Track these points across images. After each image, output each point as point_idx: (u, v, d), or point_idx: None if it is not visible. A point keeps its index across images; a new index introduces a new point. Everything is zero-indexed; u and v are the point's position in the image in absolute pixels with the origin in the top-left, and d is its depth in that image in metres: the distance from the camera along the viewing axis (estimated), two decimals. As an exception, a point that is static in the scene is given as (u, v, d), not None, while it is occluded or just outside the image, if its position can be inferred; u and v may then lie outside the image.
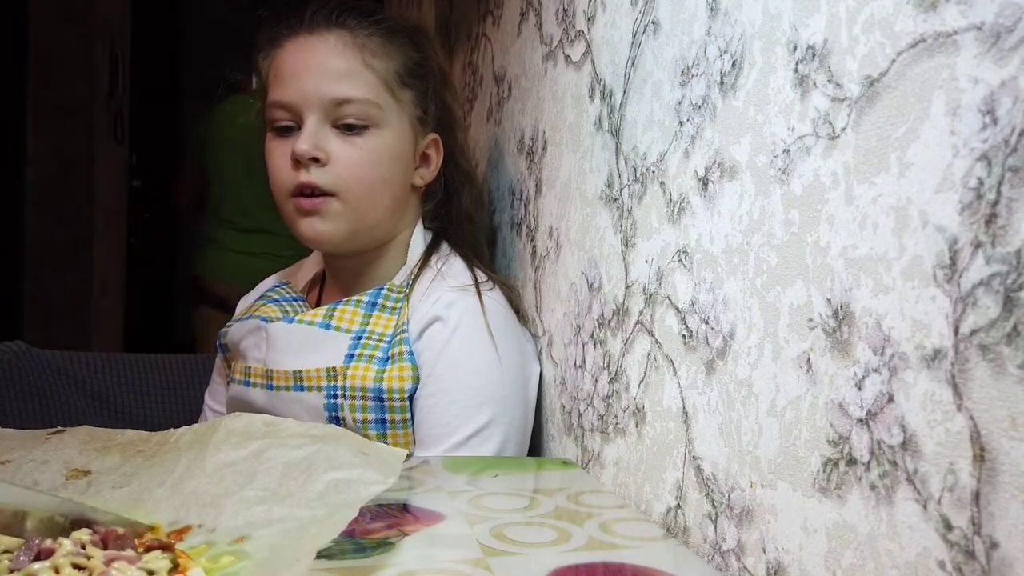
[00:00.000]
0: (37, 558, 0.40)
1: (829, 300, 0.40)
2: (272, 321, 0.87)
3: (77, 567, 0.40)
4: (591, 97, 0.74)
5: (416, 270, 0.87)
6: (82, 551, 0.41)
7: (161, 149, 4.29)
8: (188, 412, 1.23)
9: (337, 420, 0.80)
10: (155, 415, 1.27)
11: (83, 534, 0.44)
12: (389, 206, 0.87)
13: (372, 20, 0.88)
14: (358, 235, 0.86)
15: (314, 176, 0.83)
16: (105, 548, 0.42)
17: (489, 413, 0.79)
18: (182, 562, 0.42)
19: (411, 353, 0.80)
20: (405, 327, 0.82)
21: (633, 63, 0.65)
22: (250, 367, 0.86)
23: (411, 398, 0.80)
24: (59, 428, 0.63)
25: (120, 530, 0.44)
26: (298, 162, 0.83)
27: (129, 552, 0.42)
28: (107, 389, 1.26)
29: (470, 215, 0.95)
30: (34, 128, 3.06)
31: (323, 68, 0.84)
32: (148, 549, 0.43)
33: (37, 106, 3.06)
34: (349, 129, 0.84)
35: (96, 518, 0.45)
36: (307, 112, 0.83)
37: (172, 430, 0.61)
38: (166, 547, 0.43)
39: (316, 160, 0.83)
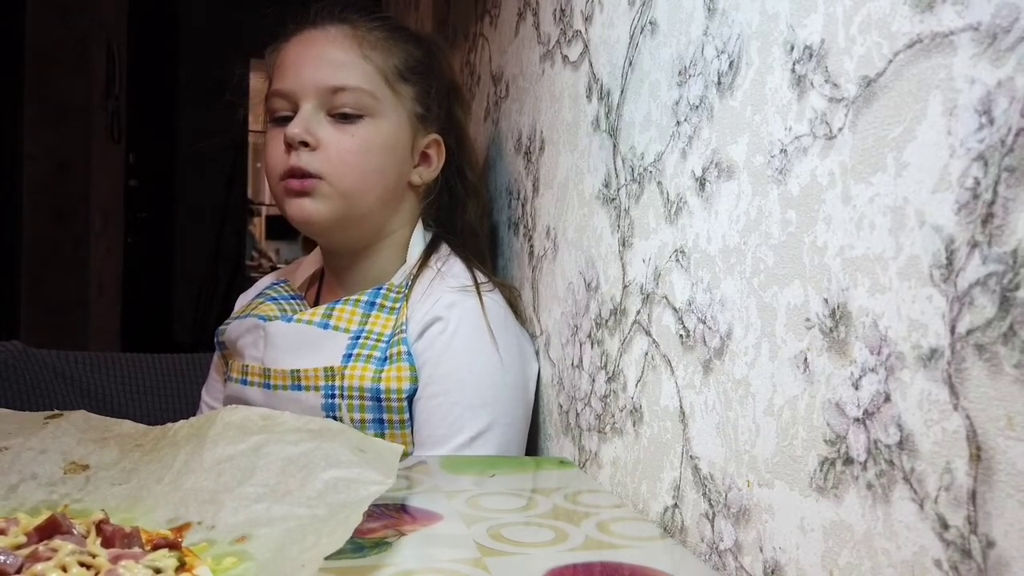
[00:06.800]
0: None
1: (826, 300, 0.40)
2: (270, 320, 0.87)
3: (84, 565, 0.40)
4: (588, 97, 0.74)
5: (415, 270, 0.88)
6: (84, 549, 0.41)
7: (158, 149, 4.29)
8: (185, 411, 1.23)
9: (335, 420, 0.79)
10: (152, 414, 1.27)
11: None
12: (381, 197, 0.87)
13: (376, 17, 0.90)
14: (347, 222, 0.86)
15: (304, 161, 0.84)
16: (111, 546, 0.42)
17: (491, 414, 0.79)
18: (189, 560, 0.42)
19: (409, 353, 0.80)
20: (404, 327, 0.82)
21: (631, 63, 0.65)
22: (247, 365, 0.86)
23: (409, 398, 0.80)
24: (56, 412, 0.62)
25: (127, 528, 0.44)
26: (290, 146, 0.84)
27: (136, 550, 0.42)
28: (104, 389, 1.26)
29: (474, 228, 0.96)
30: (31, 127, 3.05)
31: (321, 57, 0.86)
32: (155, 547, 0.43)
33: (34, 105, 3.06)
34: (344, 118, 0.85)
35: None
36: (303, 99, 0.85)
37: (169, 424, 0.61)
38: (173, 545, 0.43)
39: (306, 145, 0.83)
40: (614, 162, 0.68)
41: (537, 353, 0.86)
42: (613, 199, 0.68)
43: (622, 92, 0.67)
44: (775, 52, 0.46)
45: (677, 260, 0.56)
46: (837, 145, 0.40)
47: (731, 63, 0.50)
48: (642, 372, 0.61)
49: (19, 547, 0.42)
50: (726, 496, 0.49)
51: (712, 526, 0.51)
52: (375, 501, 0.48)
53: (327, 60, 0.85)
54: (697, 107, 0.54)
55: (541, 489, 0.65)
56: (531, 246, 0.90)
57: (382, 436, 0.80)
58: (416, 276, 0.87)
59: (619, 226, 0.66)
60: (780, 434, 0.44)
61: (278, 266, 3.61)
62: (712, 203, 0.52)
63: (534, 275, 0.88)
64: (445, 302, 0.82)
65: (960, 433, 0.32)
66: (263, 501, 0.49)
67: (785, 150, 0.44)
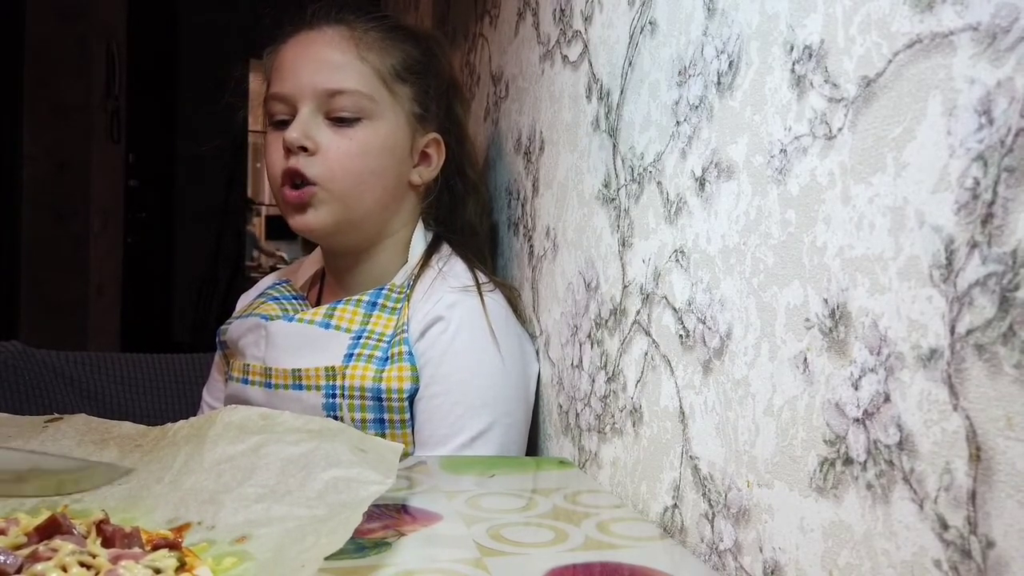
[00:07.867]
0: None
1: (826, 300, 0.40)
2: (272, 319, 0.87)
3: (84, 565, 0.40)
4: (588, 97, 0.74)
5: (416, 270, 0.88)
6: (84, 549, 0.41)
7: (158, 149, 4.29)
8: (185, 411, 1.23)
9: (336, 420, 0.80)
10: (152, 414, 1.27)
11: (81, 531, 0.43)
12: (379, 198, 0.87)
13: (372, 17, 0.89)
14: (348, 226, 0.87)
15: (302, 164, 0.84)
16: (112, 546, 0.42)
17: (492, 414, 0.79)
18: (189, 560, 0.42)
19: (410, 353, 0.80)
20: (405, 327, 0.82)
21: (630, 63, 0.65)
22: (249, 365, 0.87)
23: (410, 398, 0.80)
24: (56, 416, 0.63)
25: (127, 528, 0.44)
26: (288, 150, 0.84)
27: (136, 550, 0.42)
28: (103, 389, 1.26)
29: (474, 226, 0.96)
30: (31, 127, 3.06)
31: (318, 60, 0.85)
32: (155, 547, 0.43)
33: (34, 105, 3.06)
34: (341, 121, 0.85)
35: (51, 466, 0.45)
36: (301, 103, 0.85)
37: (169, 424, 0.61)
38: (173, 545, 0.43)
39: (305, 149, 0.83)
40: (614, 162, 0.68)
41: (537, 353, 0.86)
42: (613, 199, 0.68)
43: (622, 92, 0.67)
44: (775, 52, 0.46)
45: (677, 260, 0.56)
46: (837, 145, 0.40)
47: (731, 63, 0.50)
48: (642, 372, 0.61)
49: (19, 547, 0.42)
50: (726, 496, 0.49)
51: (712, 526, 0.51)
52: (375, 501, 0.48)
53: (324, 62, 0.85)
54: (697, 107, 0.54)
55: (541, 489, 0.65)
56: (531, 246, 0.90)
57: (383, 436, 0.80)
58: (417, 276, 0.87)
59: (619, 226, 0.66)
60: (780, 434, 0.44)
61: (279, 266, 3.61)
62: (712, 203, 0.52)
63: (534, 275, 0.88)
64: (447, 302, 0.82)
65: (960, 433, 0.32)
66: (263, 501, 0.49)
67: (785, 150, 0.44)
